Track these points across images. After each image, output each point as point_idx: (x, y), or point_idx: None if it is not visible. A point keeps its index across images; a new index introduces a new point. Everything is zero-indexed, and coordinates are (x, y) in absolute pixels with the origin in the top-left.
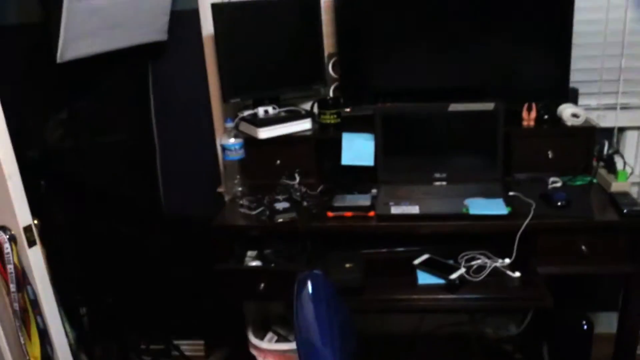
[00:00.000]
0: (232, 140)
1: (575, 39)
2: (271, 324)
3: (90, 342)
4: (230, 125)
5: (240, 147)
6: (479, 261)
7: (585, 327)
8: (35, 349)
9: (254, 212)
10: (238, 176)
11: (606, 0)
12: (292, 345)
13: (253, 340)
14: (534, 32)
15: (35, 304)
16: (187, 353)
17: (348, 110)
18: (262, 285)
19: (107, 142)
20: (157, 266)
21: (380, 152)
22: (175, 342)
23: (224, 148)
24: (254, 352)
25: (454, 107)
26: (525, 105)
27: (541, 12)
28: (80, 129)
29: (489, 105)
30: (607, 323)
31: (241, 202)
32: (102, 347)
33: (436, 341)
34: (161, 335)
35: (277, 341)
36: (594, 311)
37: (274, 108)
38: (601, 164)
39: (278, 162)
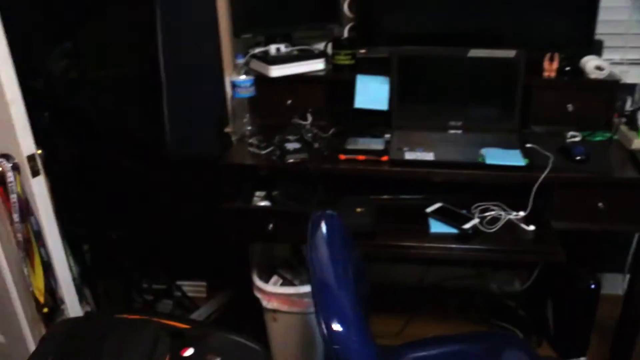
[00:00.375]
0: (243, 77)
1: None
2: (276, 267)
3: (93, 279)
4: (241, 61)
5: (251, 84)
6: (492, 212)
7: (592, 286)
8: (39, 281)
9: (263, 152)
10: (247, 115)
11: None
12: (297, 289)
13: (258, 282)
14: None
15: (38, 235)
16: (189, 294)
17: (363, 51)
18: (271, 225)
19: (112, 74)
20: (161, 204)
21: (395, 96)
22: (178, 282)
23: (234, 85)
24: (258, 294)
25: (474, 52)
26: (547, 55)
27: None
28: (85, 60)
29: (511, 53)
30: (612, 285)
31: (250, 141)
32: (105, 284)
33: (440, 293)
34: (164, 275)
35: (282, 285)
36: (600, 272)
37: (286, 46)
38: (623, 120)
39: (289, 102)
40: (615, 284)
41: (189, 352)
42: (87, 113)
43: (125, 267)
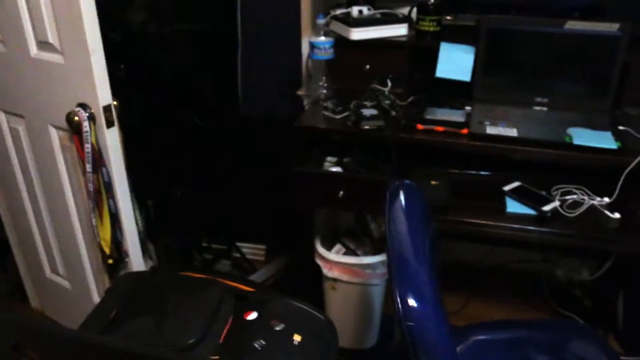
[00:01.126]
0: (323, 38)
1: None
2: (340, 236)
3: (155, 234)
4: (321, 21)
5: (331, 46)
6: (574, 196)
7: None
8: (105, 232)
9: (338, 117)
10: (324, 78)
11: None
12: (360, 260)
13: (320, 249)
14: None
15: (109, 186)
16: (248, 256)
17: (449, 18)
18: (342, 192)
19: (189, 30)
20: (228, 163)
21: (479, 67)
22: (238, 244)
23: (312, 46)
24: (319, 261)
25: (572, 24)
26: None
27: None
28: (163, 14)
29: (613, 26)
30: None
31: (325, 104)
32: (166, 240)
33: (502, 275)
34: (224, 236)
35: (344, 254)
36: None
37: (369, 9)
38: None
39: (367, 67)
40: None
41: (252, 315)
42: (161, 68)
43: (187, 225)
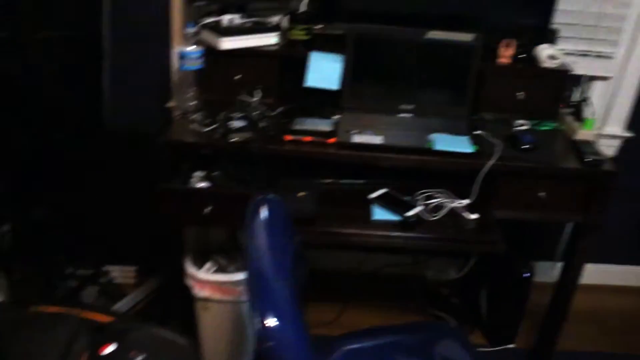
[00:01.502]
0: (192, 47)
1: None
2: (211, 252)
3: (10, 263)
4: (191, 30)
5: (200, 56)
6: (437, 200)
7: (526, 275)
8: None
9: (206, 129)
10: (193, 89)
11: None
12: (230, 277)
13: (189, 269)
14: None
15: None
16: (117, 280)
17: (319, 27)
18: (209, 208)
19: (48, 37)
20: (92, 181)
21: (347, 76)
22: (105, 267)
23: (182, 55)
24: (189, 282)
25: (432, 34)
26: (504, 42)
27: None
28: (19, 19)
29: (468, 36)
30: (543, 272)
31: (193, 117)
32: (24, 269)
33: (376, 281)
34: (90, 259)
35: (216, 271)
36: (533, 260)
37: (240, 17)
38: (569, 110)
39: (238, 77)
40: (546, 272)
41: (110, 349)
42: (17, 78)
43: (47, 250)
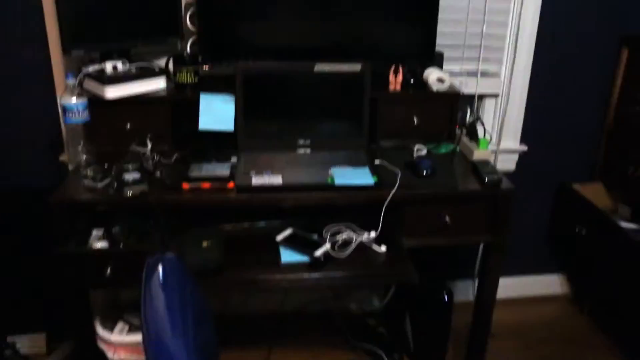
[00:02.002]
0: (74, 99)
1: (442, 1)
2: (122, 312)
3: None
4: (72, 81)
5: (84, 108)
6: (344, 235)
7: (445, 298)
8: None
9: (99, 184)
10: (82, 142)
11: None
12: None
13: (101, 332)
14: None
15: None
16: (25, 350)
17: (206, 67)
18: (109, 269)
19: None
20: None
21: (240, 115)
22: (12, 337)
23: (64, 109)
24: (102, 345)
25: (320, 67)
26: (392, 68)
27: None
28: None
29: (356, 66)
30: (463, 291)
31: (85, 172)
32: None
33: (301, 319)
34: None
35: (129, 331)
36: (452, 279)
37: (123, 63)
38: (463, 131)
39: (128, 125)
40: (466, 290)
41: None
42: None
43: None
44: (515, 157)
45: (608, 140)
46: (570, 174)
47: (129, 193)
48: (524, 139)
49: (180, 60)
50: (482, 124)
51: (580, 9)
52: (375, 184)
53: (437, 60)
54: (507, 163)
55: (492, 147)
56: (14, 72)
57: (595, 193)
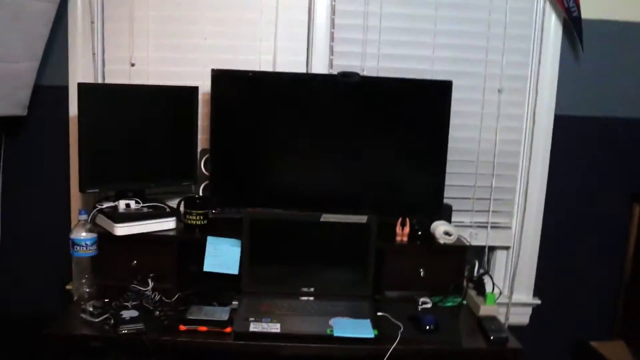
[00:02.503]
0: (84, 234)
1: (450, 156)
2: None
3: None
4: (84, 217)
5: (93, 242)
6: None
7: None
8: None
9: (97, 320)
10: (86, 275)
11: (479, 119)
12: None
13: None
14: (410, 147)
15: None
16: None
17: (215, 211)
18: None
19: None
20: None
21: (246, 260)
22: None
23: (73, 243)
24: None
25: (327, 217)
26: (399, 220)
27: (417, 127)
28: None
29: (362, 218)
30: None
31: (84, 306)
32: None
33: None
34: None
35: None
36: None
37: (136, 202)
38: (471, 285)
39: (134, 262)
40: None
41: None
42: None
43: None
44: (529, 310)
45: (626, 295)
46: (587, 329)
47: (124, 331)
48: (537, 293)
49: (192, 203)
50: (491, 277)
51: (589, 166)
52: (375, 337)
53: (446, 213)
54: (520, 317)
55: (503, 299)
56: (36, 207)
57: (616, 352)
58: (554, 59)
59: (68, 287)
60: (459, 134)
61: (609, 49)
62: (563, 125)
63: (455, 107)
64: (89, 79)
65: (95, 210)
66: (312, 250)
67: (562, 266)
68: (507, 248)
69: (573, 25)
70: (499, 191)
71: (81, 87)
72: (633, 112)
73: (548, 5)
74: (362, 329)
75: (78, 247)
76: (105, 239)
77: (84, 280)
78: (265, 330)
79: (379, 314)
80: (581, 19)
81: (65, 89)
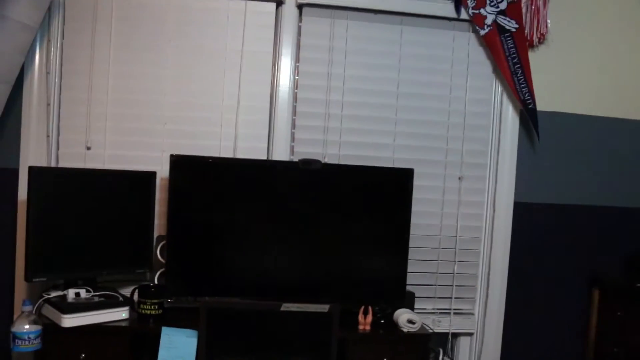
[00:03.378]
0: (27, 326)
1: (412, 242)
2: None
3: None
4: (28, 308)
5: (37, 336)
6: None
7: None
8: None
9: None
10: None
11: (440, 206)
12: None
13: None
14: (372, 234)
15: None
16: None
17: (171, 300)
18: None
19: None
20: None
21: (202, 351)
22: None
23: (14, 336)
24: None
25: (287, 306)
26: (362, 308)
27: (379, 214)
28: None
29: (324, 307)
30: None
31: None
32: None
33: None
34: None
35: None
36: None
37: (87, 291)
38: None
39: (82, 356)
40: None
41: None
42: None
43: None
44: None
45: None
46: None
47: None
48: None
49: (146, 292)
50: None
51: (549, 251)
52: None
53: (408, 300)
54: None
55: None
56: None
57: None
58: (512, 148)
59: None
60: (420, 221)
61: (564, 139)
62: (522, 212)
63: (416, 194)
64: (42, 162)
65: (41, 300)
66: (272, 340)
67: (526, 351)
68: (470, 334)
69: (529, 117)
70: (461, 277)
71: (32, 170)
72: (587, 200)
73: (505, 97)
74: None
75: (19, 342)
76: (51, 331)
77: None
78: None
79: None
80: (536, 110)
81: (15, 172)
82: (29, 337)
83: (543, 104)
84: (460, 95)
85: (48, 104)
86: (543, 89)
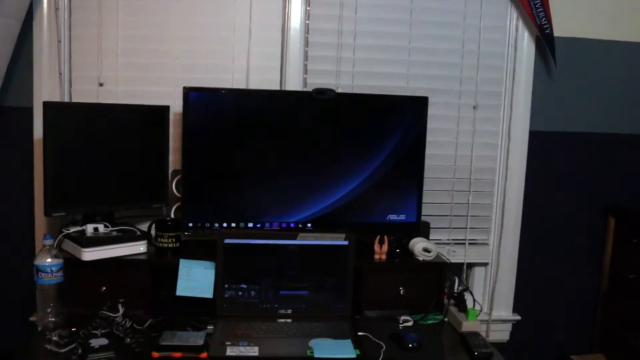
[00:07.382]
0: (49, 260)
1: (427, 173)
2: None
3: None
4: (49, 242)
5: (59, 269)
6: None
7: None
8: None
9: (62, 350)
10: (51, 304)
11: (455, 136)
12: None
13: None
14: (386, 165)
15: None
16: None
17: (188, 233)
18: None
19: None
20: None
21: (220, 282)
22: None
23: (37, 269)
24: None
25: (303, 236)
26: (377, 238)
27: (394, 144)
28: None
29: (340, 237)
30: None
31: (49, 336)
32: None
33: None
34: None
35: None
36: None
37: (105, 226)
38: (451, 301)
39: (103, 288)
40: None
41: None
42: None
43: None
44: (509, 327)
45: (604, 308)
46: (568, 344)
47: None
48: (516, 308)
49: (163, 225)
50: (471, 293)
51: (564, 180)
52: (358, 357)
53: (424, 230)
54: (500, 334)
55: (483, 316)
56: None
57: None
58: (528, 76)
59: (32, 318)
60: (435, 151)
61: (581, 65)
62: (538, 141)
63: (430, 124)
64: (55, 100)
65: (61, 235)
66: (289, 271)
67: (540, 281)
68: (485, 264)
69: (546, 42)
70: (476, 208)
71: (47, 105)
72: (605, 127)
73: (521, 22)
74: (343, 349)
75: (42, 274)
76: (72, 264)
77: (49, 310)
78: (242, 354)
79: (360, 333)
80: (553, 36)
81: (29, 110)
82: (51, 270)
83: (560, 29)
84: (475, 23)
85: (59, 41)
86: (560, 14)
